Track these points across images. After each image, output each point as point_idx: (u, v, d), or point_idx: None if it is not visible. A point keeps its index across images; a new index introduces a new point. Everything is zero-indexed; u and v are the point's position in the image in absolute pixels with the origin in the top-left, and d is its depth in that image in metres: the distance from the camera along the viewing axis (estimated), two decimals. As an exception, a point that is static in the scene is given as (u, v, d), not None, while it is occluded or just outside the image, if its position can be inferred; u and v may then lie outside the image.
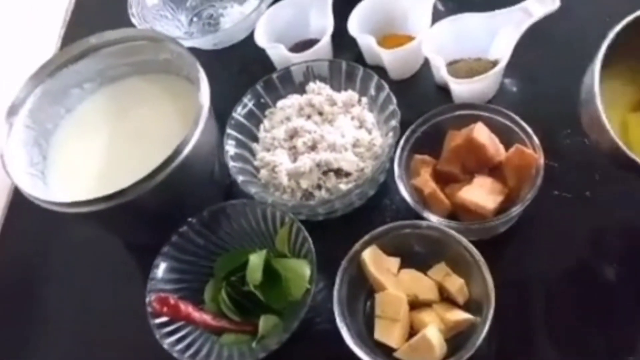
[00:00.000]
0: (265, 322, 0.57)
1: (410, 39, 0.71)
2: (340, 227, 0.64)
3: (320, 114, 0.68)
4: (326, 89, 0.69)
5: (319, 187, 0.64)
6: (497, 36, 0.68)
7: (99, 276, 0.69)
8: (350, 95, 0.68)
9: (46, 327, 0.67)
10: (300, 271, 0.57)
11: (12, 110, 0.65)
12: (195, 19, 0.86)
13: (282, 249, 0.61)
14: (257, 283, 0.57)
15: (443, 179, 0.61)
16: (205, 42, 0.80)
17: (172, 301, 0.56)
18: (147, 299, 0.58)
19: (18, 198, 0.74)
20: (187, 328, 0.58)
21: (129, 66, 0.70)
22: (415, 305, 0.56)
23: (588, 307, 0.56)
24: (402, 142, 0.62)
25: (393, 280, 0.56)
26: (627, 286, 0.57)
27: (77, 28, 0.90)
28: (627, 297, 0.56)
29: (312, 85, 0.69)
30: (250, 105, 0.69)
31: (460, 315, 0.54)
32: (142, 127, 0.67)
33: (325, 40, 0.72)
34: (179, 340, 0.57)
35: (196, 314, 0.57)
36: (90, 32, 0.69)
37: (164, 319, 0.58)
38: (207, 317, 0.58)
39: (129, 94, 0.70)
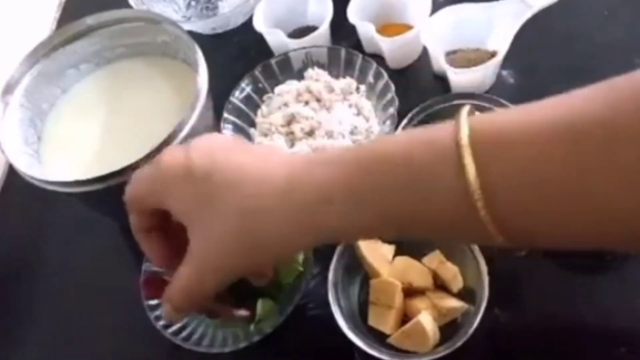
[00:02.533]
0: (262, 306, 0.57)
1: (409, 27, 0.71)
2: (336, 214, 0.64)
3: (318, 100, 0.68)
4: (324, 76, 0.68)
5: (316, 173, 0.64)
6: (496, 27, 0.68)
7: (93, 258, 0.69)
8: (348, 82, 0.68)
9: (38, 308, 0.67)
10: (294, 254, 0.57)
11: (8, 89, 0.64)
12: (193, 3, 0.85)
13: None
14: None
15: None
16: (203, 26, 0.79)
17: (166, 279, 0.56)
18: (142, 281, 0.58)
19: (12, 177, 0.74)
20: (182, 310, 0.58)
21: (126, 48, 0.70)
22: (410, 292, 0.56)
23: (582, 294, 0.57)
24: (399, 130, 0.62)
25: (387, 267, 0.57)
26: (621, 275, 0.57)
27: (73, 9, 0.90)
28: (622, 285, 0.57)
29: (310, 72, 0.69)
30: (248, 90, 0.68)
31: (454, 302, 0.55)
32: (138, 109, 0.67)
33: (324, 27, 0.72)
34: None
35: None
36: (87, 13, 0.68)
37: (158, 301, 0.57)
38: None
39: (125, 75, 0.69)
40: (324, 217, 0.41)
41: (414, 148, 0.39)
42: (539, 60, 0.70)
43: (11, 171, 0.74)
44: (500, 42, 0.66)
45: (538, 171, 0.35)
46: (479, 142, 0.36)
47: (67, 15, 0.88)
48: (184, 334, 0.56)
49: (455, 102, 0.63)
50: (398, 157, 0.39)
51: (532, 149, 0.35)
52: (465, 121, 0.37)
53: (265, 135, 0.67)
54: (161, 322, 0.56)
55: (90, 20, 0.68)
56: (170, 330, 0.56)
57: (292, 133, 0.66)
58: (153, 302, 0.57)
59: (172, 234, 0.48)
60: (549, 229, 0.37)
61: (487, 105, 0.62)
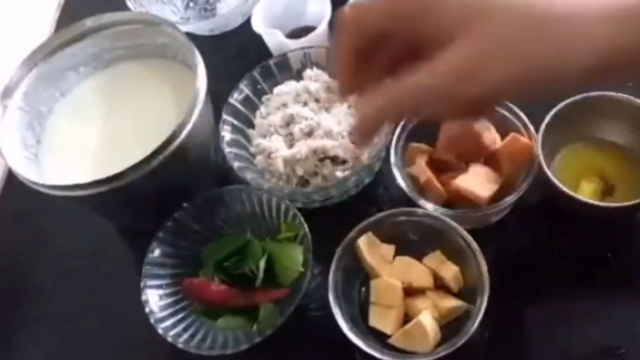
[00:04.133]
0: (264, 309, 0.57)
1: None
2: (336, 214, 0.64)
3: (317, 100, 0.67)
4: (323, 76, 0.68)
5: (315, 174, 0.64)
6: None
7: (93, 261, 0.69)
8: (347, 82, 0.68)
9: (38, 311, 0.67)
10: (294, 255, 0.57)
11: (6, 93, 0.64)
12: (191, 4, 0.85)
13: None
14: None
15: (439, 167, 0.61)
16: (201, 28, 0.79)
17: (195, 282, 0.57)
18: (142, 284, 0.58)
19: (12, 181, 0.74)
20: (182, 313, 0.58)
21: (125, 50, 0.69)
22: (410, 292, 0.56)
23: (582, 294, 0.57)
24: (398, 130, 0.62)
25: (388, 267, 0.57)
26: (621, 274, 0.57)
27: (72, 11, 0.89)
28: (623, 285, 0.57)
29: (309, 72, 0.69)
30: (246, 91, 0.68)
31: (454, 302, 0.55)
32: (137, 111, 0.67)
33: (323, 27, 0.72)
34: (174, 325, 0.57)
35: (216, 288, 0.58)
36: (86, 15, 0.68)
37: (159, 303, 0.58)
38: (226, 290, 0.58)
39: (124, 78, 0.69)
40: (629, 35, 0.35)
41: None
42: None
43: (10, 174, 0.73)
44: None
45: None
46: None
47: (66, 18, 0.88)
48: (186, 336, 0.56)
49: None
50: None
51: None
52: None
53: (264, 136, 0.67)
54: (163, 325, 0.56)
55: (89, 22, 0.68)
56: (172, 332, 0.56)
57: (291, 134, 0.66)
58: (154, 304, 0.57)
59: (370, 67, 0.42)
60: None
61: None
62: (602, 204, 0.56)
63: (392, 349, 0.53)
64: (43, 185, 0.58)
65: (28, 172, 0.60)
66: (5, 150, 0.61)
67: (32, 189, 0.58)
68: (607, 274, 0.58)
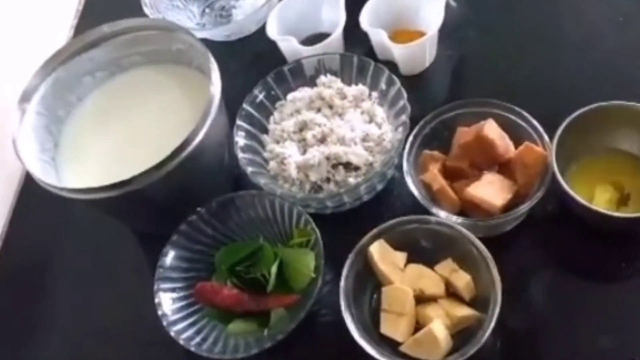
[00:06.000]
0: (275, 314, 0.57)
1: (421, 34, 0.71)
2: (349, 221, 0.64)
3: (331, 107, 0.68)
4: (337, 83, 0.69)
5: (328, 180, 0.64)
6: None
7: (107, 263, 0.69)
8: (360, 89, 0.68)
9: (53, 313, 0.68)
10: (305, 261, 0.58)
11: (25, 97, 0.65)
12: (207, 10, 0.86)
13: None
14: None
15: (452, 175, 0.61)
16: (217, 34, 0.80)
17: (208, 287, 0.58)
18: (155, 287, 0.58)
19: (29, 184, 0.75)
20: (195, 316, 0.59)
21: (141, 56, 0.70)
22: (422, 300, 0.56)
23: (595, 304, 0.56)
24: (411, 137, 0.62)
25: (400, 274, 0.57)
26: (636, 285, 0.57)
27: (89, 17, 0.91)
28: (637, 295, 0.56)
29: (322, 79, 0.69)
30: (260, 97, 0.69)
31: (466, 311, 0.55)
32: (152, 116, 0.67)
33: (337, 34, 0.72)
34: (186, 329, 0.57)
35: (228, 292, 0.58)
36: (103, 22, 0.69)
37: (171, 306, 0.58)
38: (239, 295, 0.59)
39: (140, 83, 0.70)
40: None
41: None
42: (554, 64, 0.70)
43: (28, 177, 0.74)
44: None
45: None
46: None
47: (84, 24, 0.89)
48: (198, 339, 0.57)
49: (468, 109, 0.63)
50: None
51: None
52: None
53: (278, 142, 0.67)
54: (175, 328, 0.57)
55: (105, 28, 0.68)
56: (184, 335, 0.57)
57: (304, 140, 0.66)
58: (167, 307, 0.58)
59: None
60: None
61: (499, 112, 0.61)
62: (617, 214, 0.56)
63: (403, 356, 0.53)
64: (60, 189, 0.59)
65: (45, 176, 0.61)
66: (23, 154, 0.62)
67: (49, 192, 0.59)
68: (621, 284, 0.57)
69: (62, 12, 0.93)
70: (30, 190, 0.76)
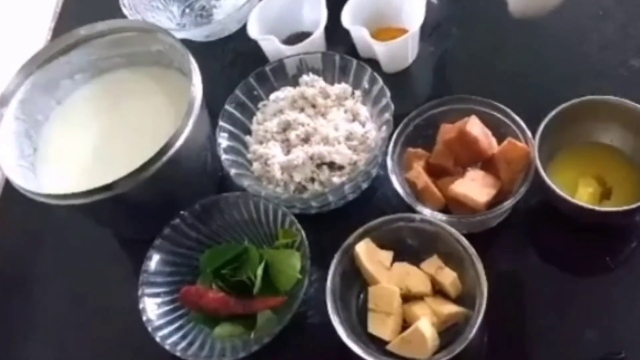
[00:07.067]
0: (262, 316, 0.57)
1: (403, 31, 0.71)
2: (334, 221, 0.64)
3: (314, 106, 0.67)
4: (319, 82, 0.68)
5: (312, 180, 0.63)
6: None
7: (90, 269, 0.68)
8: (343, 88, 0.68)
9: (36, 320, 0.67)
10: (291, 262, 0.57)
11: (2, 102, 0.64)
12: (187, 11, 0.85)
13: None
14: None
15: (436, 173, 0.61)
16: (197, 34, 0.79)
17: (193, 291, 0.57)
18: (139, 292, 0.58)
19: (9, 190, 0.74)
20: (180, 321, 0.58)
21: (120, 57, 0.69)
22: (408, 298, 0.56)
23: (580, 298, 0.57)
24: (395, 135, 0.62)
25: (386, 273, 0.57)
26: (620, 278, 0.57)
27: (67, 20, 0.89)
28: (622, 289, 0.57)
29: (305, 78, 0.69)
30: (242, 97, 0.68)
31: (452, 308, 0.55)
32: (133, 119, 0.67)
33: (319, 33, 0.72)
34: (171, 333, 0.57)
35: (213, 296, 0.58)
36: (81, 24, 0.68)
37: (156, 311, 0.57)
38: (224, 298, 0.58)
39: (120, 85, 0.69)
40: None
41: None
42: (535, 59, 0.70)
43: (8, 183, 0.73)
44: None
45: None
46: None
47: (62, 26, 0.88)
48: (184, 344, 0.56)
49: (451, 106, 0.63)
50: None
51: None
52: None
53: (261, 142, 0.67)
54: (160, 333, 0.56)
55: (84, 30, 0.68)
56: (170, 340, 0.56)
57: (287, 140, 0.65)
58: (152, 312, 0.57)
59: None
60: None
61: (482, 108, 0.61)
62: (599, 208, 0.56)
63: (391, 355, 0.53)
64: (39, 194, 0.58)
65: (24, 181, 0.60)
66: (2, 160, 0.61)
67: (29, 198, 0.58)
68: (606, 277, 0.58)
69: (39, 15, 0.91)
70: (10, 197, 0.75)
